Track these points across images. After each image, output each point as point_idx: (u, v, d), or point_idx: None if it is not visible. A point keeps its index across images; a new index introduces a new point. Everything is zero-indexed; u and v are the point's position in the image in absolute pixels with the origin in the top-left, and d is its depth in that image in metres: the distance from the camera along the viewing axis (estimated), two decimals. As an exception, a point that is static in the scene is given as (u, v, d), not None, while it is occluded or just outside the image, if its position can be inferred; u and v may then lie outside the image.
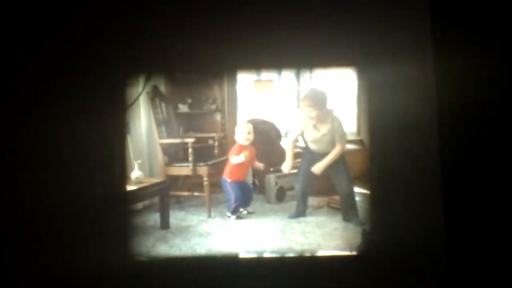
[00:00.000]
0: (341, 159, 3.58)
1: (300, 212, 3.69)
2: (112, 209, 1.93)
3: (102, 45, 1.91)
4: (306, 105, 3.53)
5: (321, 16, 1.88)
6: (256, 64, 2.07)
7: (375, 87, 1.87)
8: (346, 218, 3.51)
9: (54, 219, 1.89)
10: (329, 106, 3.56)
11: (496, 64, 1.88)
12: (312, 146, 3.68)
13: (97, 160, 1.91)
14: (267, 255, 2.89)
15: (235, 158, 3.72)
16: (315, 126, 3.58)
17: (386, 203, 1.88)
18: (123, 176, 2.02)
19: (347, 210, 3.54)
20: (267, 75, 4.89)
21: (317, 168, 3.59)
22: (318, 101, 3.51)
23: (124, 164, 2.00)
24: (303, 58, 1.93)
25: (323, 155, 3.61)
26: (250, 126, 3.81)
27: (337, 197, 3.78)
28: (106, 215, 1.91)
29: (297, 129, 3.70)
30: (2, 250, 1.90)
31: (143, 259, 2.05)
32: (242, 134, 3.75)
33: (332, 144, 3.57)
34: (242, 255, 2.95)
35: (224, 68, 2.47)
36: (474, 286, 1.87)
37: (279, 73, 4.87)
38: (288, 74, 4.95)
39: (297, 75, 4.84)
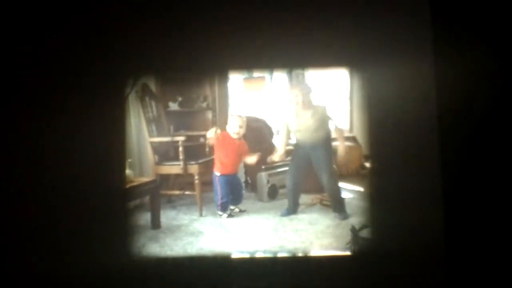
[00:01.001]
0: (325, 153, 3.61)
1: (292, 209, 3.69)
2: (111, 208, 1.93)
3: (99, 45, 1.91)
4: (294, 88, 3.63)
5: (315, 15, 1.88)
6: (249, 64, 2.07)
7: (375, 87, 1.88)
8: (335, 211, 3.60)
9: (51, 218, 1.89)
10: (314, 99, 3.63)
11: (496, 64, 1.88)
12: (298, 137, 3.71)
13: (96, 159, 1.91)
14: (259, 254, 2.87)
15: (211, 139, 3.69)
16: (297, 114, 3.62)
17: (385, 202, 1.88)
18: (122, 175, 2.03)
19: (332, 204, 3.62)
20: (258, 74, 4.89)
21: (340, 154, 3.64)
22: (304, 86, 3.63)
23: (123, 164, 2.02)
24: (296, 59, 1.94)
25: (311, 147, 3.63)
26: (244, 119, 3.79)
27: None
28: (104, 214, 1.91)
29: (284, 120, 3.76)
30: (0, 250, 1.90)
31: (139, 258, 2.04)
32: (234, 127, 3.73)
33: (316, 132, 3.60)
34: (235, 255, 2.94)
35: (217, 67, 2.46)
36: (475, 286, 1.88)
37: (271, 72, 4.87)
38: (280, 74, 4.95)
39: (290, 74, 4.85)
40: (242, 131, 3.75)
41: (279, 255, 2.78)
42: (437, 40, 1.84)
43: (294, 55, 1.92)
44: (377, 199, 1.92)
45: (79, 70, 1.90)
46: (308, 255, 2.77)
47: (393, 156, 1.88)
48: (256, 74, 4.91)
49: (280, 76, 4.92)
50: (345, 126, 4.90)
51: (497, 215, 1.88)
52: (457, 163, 1.88)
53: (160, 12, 1.91)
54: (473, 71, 1.87)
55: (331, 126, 3.60)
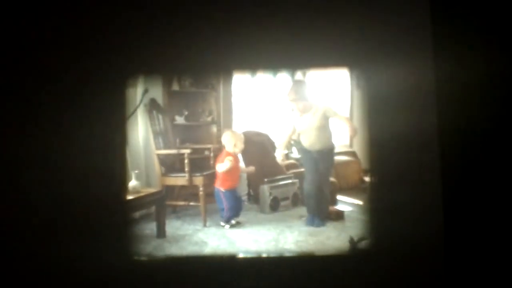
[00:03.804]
0: (328, 161, 3.78)
1: (315, 217, 3.73)
2: (112, 213, 1.92)
3: (100, 46, 1.90)
4: (292, 99, 3.71)
5: (318, 16, 1.85)
6: (251, 64, 2.05)
7: (374, 92, 1.83)
8: (312, 217, 3.72)
9: (53, 224, 1.90)
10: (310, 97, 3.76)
11: (497, 69, 1.88)
12: (304, 141, 3.80)
13: (97, 164, 1.90)
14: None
15: (220, 166, 3.81)
16: (301, 115, 3.75)
17: (386, 211, 1.86)
18: (123, 178, 2.02)
19: (318, 209, 3.73)
20: (262, 75, 4.96)
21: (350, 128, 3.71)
22: (302, 93, 3.71)
23: (124, 166, 2.01)
24: (298, 59, 1.92)
25: (317, 152, 3.75)
26: (241, 136, 3.94)
27: (333, 208, 3.93)
28: (105, 218, 1.91)
29: (290, 125, 3.88)
30: (6, 252, 1.90)
31: (142, 259, 2.02)
32: (240, 143, 3.89)
33: (320, 133, 3.73)
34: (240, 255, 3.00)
35: (219, 68, 2.45)
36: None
37: (275, 74, 4.95)
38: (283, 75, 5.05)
39: (292, 76, 4.94)
40: (239, 145, 3.92)
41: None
42: (437, 44, 1.84)
43: (297, 55, 1.91)
44: (377, 208, 1.90)
45: (79, 71, 1.90)
46: (314, 254, 2.76)
47: (392, 164, 1.85)
48: (259, 77, 4.98)
49: (283, 77, 5.03)
50: (345, 141, 4.99)
51: (500, 228, 1.89)
52: (457, 170, 1.88)
53: (163, 12, 1.91)
54: (473, 76, 1.87)
55: (336, 120, 3.72)
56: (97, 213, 1.91)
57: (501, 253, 1.91)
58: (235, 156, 3.88)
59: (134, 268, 1.93)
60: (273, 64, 2.03)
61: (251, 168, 4.11)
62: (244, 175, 4.47)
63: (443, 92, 1.87)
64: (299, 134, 3.81)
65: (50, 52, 1.91)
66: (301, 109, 3.72)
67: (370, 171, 1.93)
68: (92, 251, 1.91)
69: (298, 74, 4.83)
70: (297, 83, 3.87)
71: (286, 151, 5.00)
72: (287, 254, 2.78)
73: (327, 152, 3.77)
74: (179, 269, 1.97)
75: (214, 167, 3.99)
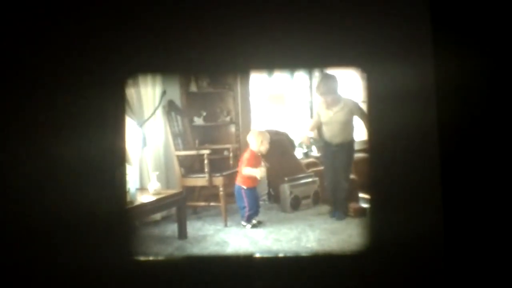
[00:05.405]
0: (347, 155, 3.80)
1: (337, 211, 3.79)
2: (112, 215, 1.92)
3: (109, 44, 1.91)
4: (321, 92, 3.76)
5: (329, 16, 1.88)
6: (267, 64, 2.05)
7: (374, 92, 1.86)
8: (334, 210, 3.80)
9: (53, 224, 1.90)
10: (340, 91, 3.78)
11: (497, 70, 1.89)
12: (326, 133, 3.82)
13: (97, 166, 1.90)
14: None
15: (249, 170, 3.77)
16: (328, 108, 3.78)
17: (387, 207, 1.86)
18: (123, 180, 2.00)
19: (337, 202, 3.80)
20: (279, 75, 4.96)
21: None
22: (331, 86, 3.73)
23: (124, 168, 2.00)
24: (312, 58, 1.92)
25: (337, 145, 3.78)
26: (267, 135, 3.91)
27: (355, 205, 3.90)
28: (106, 220, 1.90)
29: (314, 114, 3.96)
30: (9, 254, 1.92)
31: (143, 259, 2.01)
32: (265, 144, 3.85)
33: (344, 128, 3.77)
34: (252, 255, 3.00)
35: (236, 68, 2.46)
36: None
37: (292, 72, 4.95)
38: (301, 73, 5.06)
39: (310, 74, 4.94)
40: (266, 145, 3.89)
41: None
42: (437, 46, 1.85)
43: (312, 55, 1.92)
44: (378, 203, 1.91)
45: (79, 72, 1.91)
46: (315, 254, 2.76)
47: (393, 160, 1.85)
48: (276, 76, 4.98)
49: (300, 76, 5.03)
50: (363, 137, 4.94)
51: (499, 227, 1.88)
52: (456, 166, 1.88)
53: (179, 12, 1.92)
54: (474, 77, 1.87)
55: (360, 120, 3.72)
56: (97, 214, 1.90)
57: (501, 252, 1.89)
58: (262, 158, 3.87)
59: (138, 269, 1.93)
60: (290, 63, 2.03)
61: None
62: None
63: (443, 92, 1.87)
64: (319, 128, 3.84)
65: (50, 50, 1.91)
66: (329, 103, 3.74)
67: (370, 170, 1.93)
68: (92, 253, 1.91)
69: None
70: (328, 77, 3.83)
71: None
72: (303, 254, 2.77)
73: (347, 145, 3.78)
74: (197, 268, 1.97)
75: (233, 167, 3.99)
